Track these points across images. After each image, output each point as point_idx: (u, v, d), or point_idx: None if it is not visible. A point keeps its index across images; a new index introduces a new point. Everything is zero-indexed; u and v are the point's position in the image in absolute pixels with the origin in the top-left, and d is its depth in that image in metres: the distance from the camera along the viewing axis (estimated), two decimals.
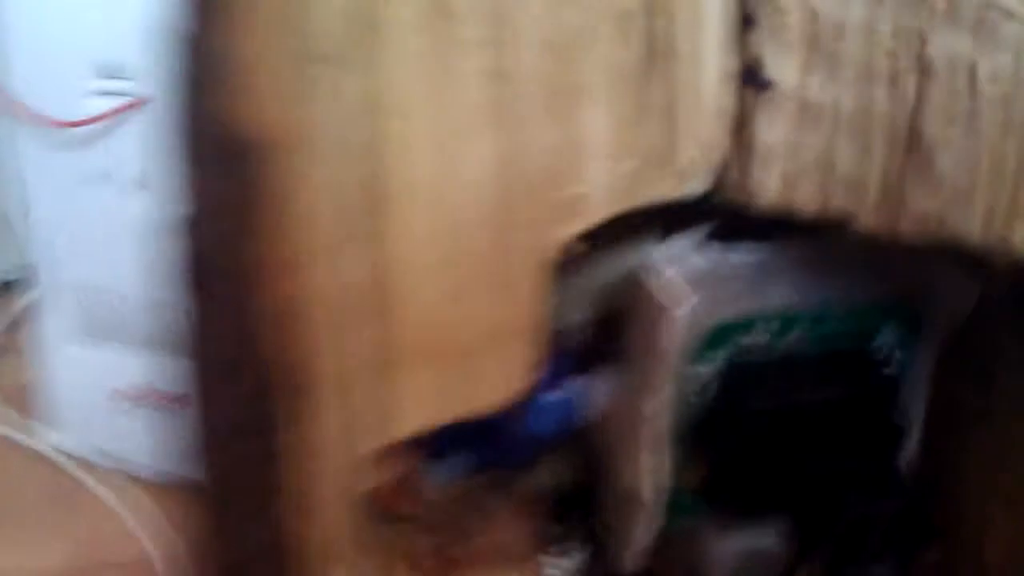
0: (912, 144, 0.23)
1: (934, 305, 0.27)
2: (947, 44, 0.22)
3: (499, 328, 0.23)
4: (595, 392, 0.28)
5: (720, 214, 0.25)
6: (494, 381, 0.23)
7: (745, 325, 0.26)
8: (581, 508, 0.30)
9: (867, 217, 0.24)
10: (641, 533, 0.27)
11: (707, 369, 0.26)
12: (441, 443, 0.27)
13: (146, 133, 0.90)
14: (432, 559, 0.26)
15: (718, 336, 0.26)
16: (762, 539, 0.28)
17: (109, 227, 0.93)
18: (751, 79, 0.23)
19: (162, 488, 0.99)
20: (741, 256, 0.26)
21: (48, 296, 1.00)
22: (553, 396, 0.28)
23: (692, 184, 0.23)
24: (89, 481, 0.97)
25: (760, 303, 0.26)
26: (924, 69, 0.23)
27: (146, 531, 0.91)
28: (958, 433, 0.29)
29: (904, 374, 0.28)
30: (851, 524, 0.26)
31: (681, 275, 0.25)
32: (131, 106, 0.73)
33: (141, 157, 0.89)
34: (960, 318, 0.27)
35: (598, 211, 0.23)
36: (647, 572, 0.29)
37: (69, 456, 1.01)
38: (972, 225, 0.23)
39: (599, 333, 0.29)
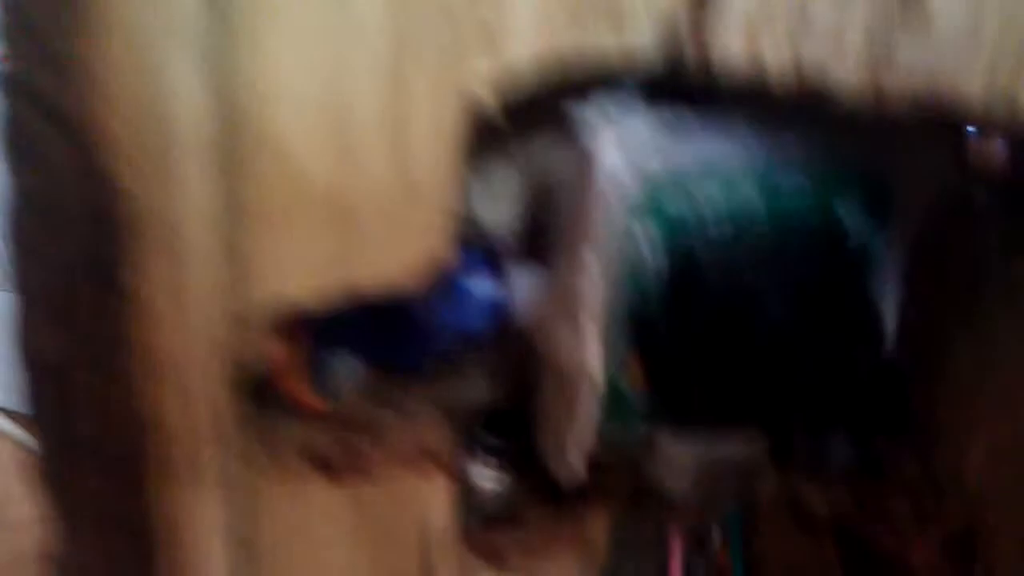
0: None
1: (905, 180, 0.24)
2: None
3: (394, 190, 0.19)
4: (528, 285, 0.24)
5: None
6: (386, 252, 0.19)
7: (684, 185, 0.22)
8: (518, 420, 0.26)
9: (847, 74, 0.20)
10: (581, 433, 0.23)
11: (645, 247, 0.22)
12: (354, 333, 0.24)
13: None
14: (339, 455, 0.22)
15: (656, 200, 0.22)
16: (724, 445, 0.25)
17: None
18: None
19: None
20: (677, 113, 0.23)
21: None
22: (479, 289, 0.24)
23: (636, 38, 0.19)
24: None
25: (700, 156, 0.22)
26: None
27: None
28: (940, 333, 0.25)
29: (871, 255, 0.24)
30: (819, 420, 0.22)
31: (612, 129, 0.21)
32: None
33: None
34: (932, 196, 0.23)
35: (520, 49, 0.19)
36: (590, 488, 0.25)
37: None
38: (972, 82, 0.19)
39: (532, 232, 0.25)
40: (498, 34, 0.18)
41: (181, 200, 0.17)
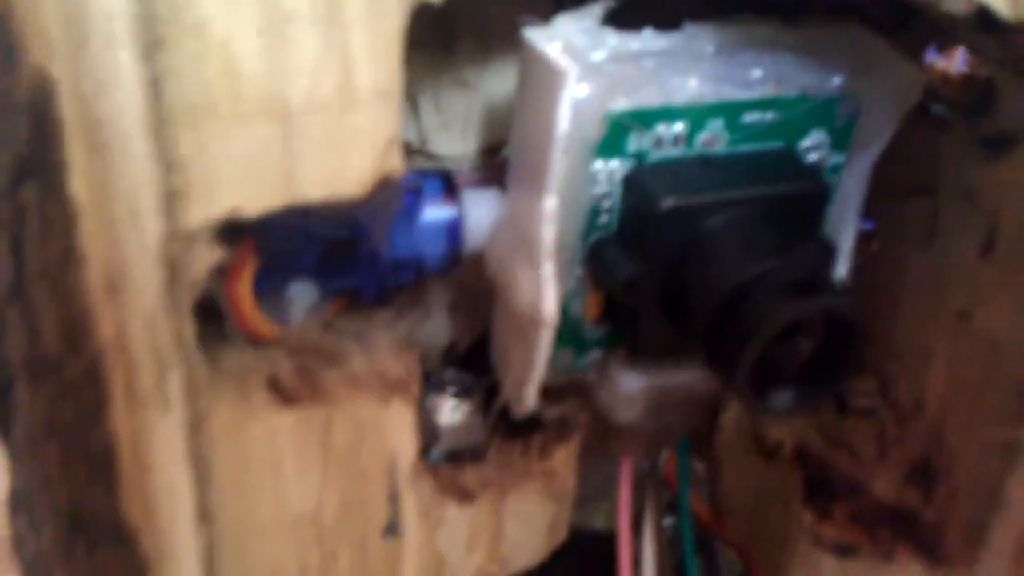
0: None
1: (873, 99, 0.22)
2: None
3: (331, 89, 0.17)
4: (486, 214, 0.23)
5: None
6: (328, 160, 0.18)
7: (645, 118, 0.20)
8: (480, 354, 0.24)
9: None
10: (537, 368, 0.22)
11: (605, 181, 0.21)
12: (310, 260, 0.22)
13: None
14: (298, 381, 0.20)
15: (616, 133, 0.20)
16: (678, 374, 0.23)
17: None
18: None
19: None
20: (643, 41, 0.21)
21: None
22: (435, 215, 0.23)
23: None
24: None
25: (665, 93, 0.20)
26: None
27: None
28: (897, 256, 0.24)
29: (835, 180, 0.23)
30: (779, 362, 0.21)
31: (575, 64, 0.19)
32: None
33: None
34: (903, 112, 0.22)
35: None
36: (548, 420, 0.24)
37: None
38: None
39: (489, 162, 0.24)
40: None
41: (109, 96, 0.15)
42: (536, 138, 0.20)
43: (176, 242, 0.16)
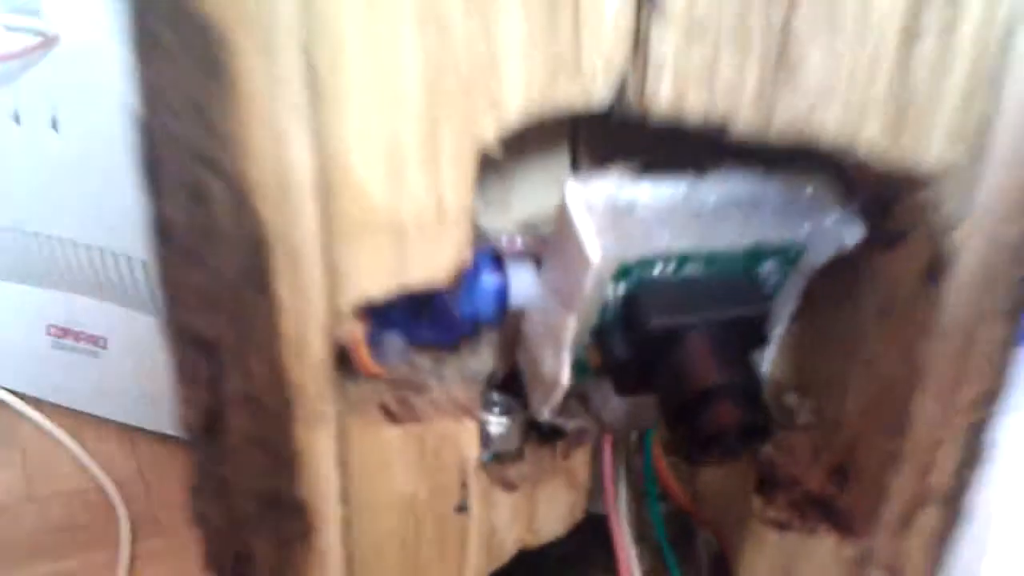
0: (782, 54, 0.25)
1: (819, 243, 0.30)
2: None
3: (431, 211, 0.26)
4: (526, 280, 0.31)
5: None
6: (428, 258, 0.26)
7: (648, 263, 0.28)
8: (517, 381, 0.33)
9: (744, 119, 0.26)
10: (556, 400, 0.30)
11: (612, 294, 0.29)
12: (401, 317, 0.31)
13: (58, 74, 0.91)
14: (398, 406, 0.29)
15: (625, 270, 0.28)
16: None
17: (20, 167, 0.96)
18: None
19: (100, 421, 1.03)
20: (648, 203, 0.28)
21: None
22: (488, 283, 0.31)
23: (596, 92, 0.26)
24: (31, 416, 1.02)
25: (661, 246, 0.28)
26: None
27: (93, 460, 0.95)
28: (823, 318, 0.32)
29: (778, 294, 0.31)
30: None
31: (598, 220, 0.27)
32: (42, 45, 0.75)
33: (51, 98, 0.91)
34: (844, 252, 0.30)
35: (515, 107, 0.25)
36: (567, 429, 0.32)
37: (8, 392, 1.06)
38: (828, 126, 0.26)
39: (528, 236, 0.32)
40: (499, 101, 0.25)
41: (297, 224, 0.24)
42: (568, 274, 0.28)
43: (334, 319, 0.25)
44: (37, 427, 1.00)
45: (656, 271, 0.29)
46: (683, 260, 0.29)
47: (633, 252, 0.28)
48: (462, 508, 0.30)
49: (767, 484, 0.32)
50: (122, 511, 0.86)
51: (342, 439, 0.26)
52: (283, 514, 0.26)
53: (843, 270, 0.30)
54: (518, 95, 0.25)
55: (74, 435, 0.97)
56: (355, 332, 0.26)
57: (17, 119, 0.91)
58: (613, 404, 0.31)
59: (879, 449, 0.30)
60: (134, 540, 0.83)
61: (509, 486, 0.31)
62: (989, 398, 0.29)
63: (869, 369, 0.30)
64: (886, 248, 0.30)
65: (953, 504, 0.30)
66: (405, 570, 0.29)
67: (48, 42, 0.85)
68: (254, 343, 0.24)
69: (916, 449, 0.29)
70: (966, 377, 0.28)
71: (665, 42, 0.25)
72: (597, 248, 0.26)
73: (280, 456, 0.25)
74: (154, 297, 0.92)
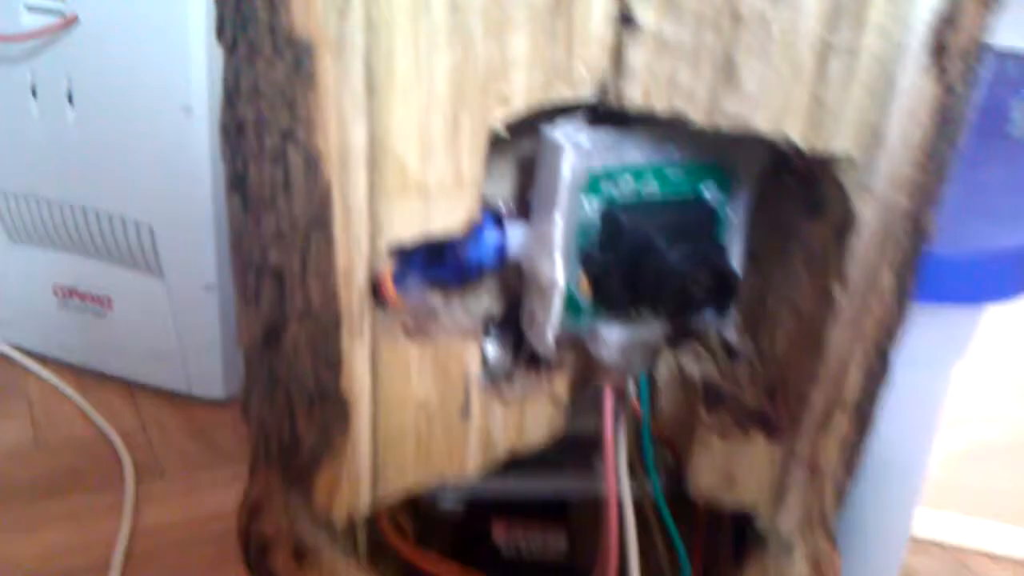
0: (727, 69, 0.33)
1: (739, 165, 0.38)
2: (752, 3, 0.32)
3: (451, 179, 0.34)
4: (519, 235, 0.39)
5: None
6: (447, 214, 0.34)
7: (612, 175, 0.36)
8: (513, 317, 0.41)
9: (697, 116, 0.34)
10: (553, 320, 0.38)
11: (589, 211, 0.37)
12: (420, 261, 0.38)
13: (75, 51, 0.98)
14: (415, 328, 0.37)
15: (594, 184, 0.36)
16: (638, 332, 0.40)
17: (36, 138, 1.03)
18: (625, 21, 0.34)
19: (104, 377, 1.10)
20: (608, 132, 0.36)
21: None
22: (491, 237, 0.39)
23: (583, 91, 0.34)
24: (38, 371, 1.09)
25: (620, 159, 0.36)
26: (737, 18, 0.33)
27: (97, 412, 1.02)
28: (763, 264, 0.40)
29: (725, 214, 0.39)
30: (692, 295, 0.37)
31: (569, 137, 0.35)
32: (62, 24, 0.83)
33: (68, 73, 0.98)
34: (756, 174, 0.38)
35: (519, 102, 0.33)
36: (556, 359, 0.40)
37: (15, 349, 1.13)
38: (763, 122, 0.34)
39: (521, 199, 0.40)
40: (507, 98, 0.33)
41: (351, 184, 0.32)
42: (550, 184, 0.36)
43: (374, 257, 0.33)
44: (43, 382, 1.07)
45: (620, 188, 0.37)
46: (639, 174, 0.37)
47: (597, 161, 0.35)
48: (464, 414, 0.37)
49: (712, 402, 0.40)
50: (126, 457, 0.93)
51: (374, 351, 0.34)
52: (327, 405, 0.34)
53: (778, 238, 0.38)
54: (522, 93, 0.33)
55: (79, 390, 1.04)
56: (386, 268, 0.34)
57: (34, 93, 0.98)
58: (608, 344, 0.39)
59: (802, 369, 0.38)
60: (138, 483, 0.90)
61: (503, 401, 0.39)
62: (888, 329, 0.37)
63: (795, 309, 0.38)
64: (810, 216, 0.38)
65: (860, 412, 0.38)
66: (419, 461, 0.37)
67: (67, 22, 0.91)
68: (315, 272, 0.32)
69: (830, 368, 0.37)
70: (869, 312, 0.36)
71: (638, 56, 0.33)
72: (570, 151, 0.34)
73: (328, 359, 0.33)
74: (160, 261, 0.99)
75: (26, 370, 1.09)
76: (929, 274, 0.48)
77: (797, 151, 0.34)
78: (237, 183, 0.33)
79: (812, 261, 0.38)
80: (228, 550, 0.82)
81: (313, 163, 0.30)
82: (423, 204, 0.33)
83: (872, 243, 0.35)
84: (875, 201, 0.35)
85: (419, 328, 0.35)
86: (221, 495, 0.89)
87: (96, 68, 0.94)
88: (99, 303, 1.05)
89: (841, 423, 0.38)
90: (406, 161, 0.32)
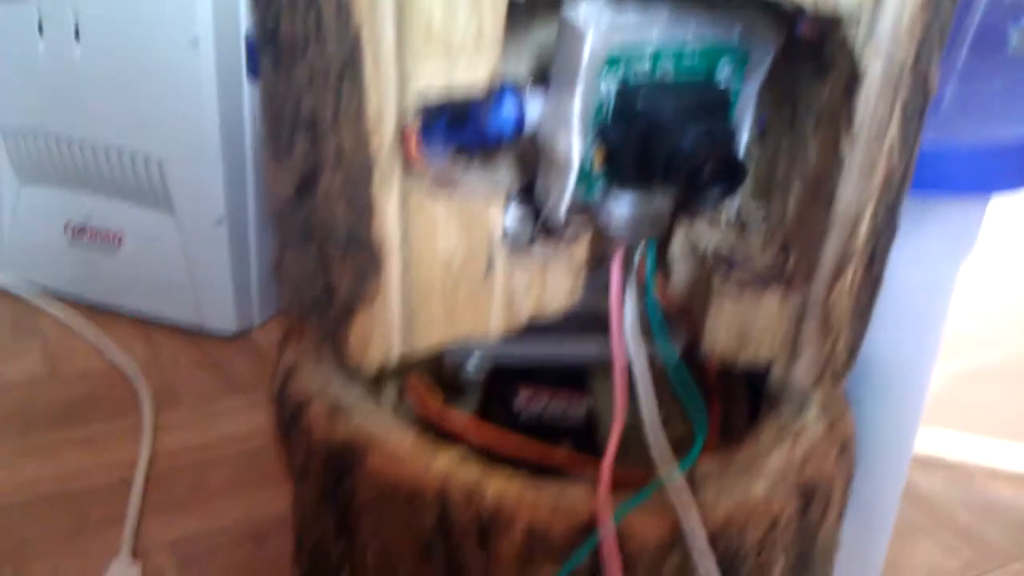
0: None
1: (755, 46, 0.40)
2: None
3: (472, 37, 0.35)
4: (536, 108, 0.41)
5: None
6: (469, 70, 0.35)
7: (629, 55, 0.38)
8: (530, 192, 0.43)
9: None
10: (567, 193, 0.40)
11: (606, 89, 0.38)
12: (444, 127, 0.40)
13: None
14: (439, 188, 0.38)
15: (613, 62, 0.38)
16: (647, 203, 0.41)
17: (43, 74, 1.04)
18: None
19: (116, 313, 1.12)
20: (628, 12, 0.38)
21: None
22: (510, 105, 0.40)
23: None
24: (51, 309, 1.11)
25: (639, 39, 0.38)
26: None
27: (103, 343, 1.04)
28: (775, 133, 0.42)
29: (737, 96, 0.41)
30: (701, 178, 0.39)
31: (590, 14, 0.37)
32: None
33: (75, 9, 1.00)
34: (773, 55, 0.40)
35: None
36: (571, 228, 0.42)
37: (28, 287, 1.15)
38: None
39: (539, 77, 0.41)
40: None
41: (381, 35, 0.33)
42: (569, 61, 0.38)
43: (402, 110, 0.35)
44: (56, 319, 1.08)
45: (636, 68, 0.38)
46: (657, 55, 0.38)
47: (617, 41, 0.37)
48: (488, 270, 0.39)
49: (725, 267, 0.41)
50: (143, 385, 0.95)
51: (403, 207, 0.36)
52: (360, 253, 0.35)
53: (788, 108, 0.40)
54: None
55: (92, 326, 1.06)
56: (413, 125, 0.36)
57: (41, 29, 0.99)
58: (617, 216, 0.41)
59: (814, 225, 0.39)
60: (157, 410, 0.91)
61: (524, 266, 0.40)
62: (896, 181, 0.38)
63: (806, 168, 0.40)
64: (818, 78, 0.39)
65: (871, 265, 0.40)
66: (445, 317, 0.39)
67: None
68: (346, 117, 0.33)
69: (841, 222, 0.38)
70: (876, 164, 0.38)
71: None
72: (590, 30, 0.36)
73: (361, 206, 0.34)
74: (170, 195, 1.00)
75: (39, 308, 1.10)
76: (935, 166, 0.50)
77: (805, 13, 0.36)
78: (268, 39, 0.34)
79: (821, 122, 0.39)
80: (245, 470, 0.84)
81: (344, 8, 0.32)
82: (447, 58, 0.34)
83: (879, 98, 0.37)
84: (880, 56, 0.36)
85: (445, 190, 0.37)
86: (236, 421, 0.91)
87: (102, 3, 0.95)
88: (110, 240, 1.06)
89: (852, 275, 0.39)
90: (431, 15, 0.33)
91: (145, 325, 1.08)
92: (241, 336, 1.06)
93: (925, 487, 0.88)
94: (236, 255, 1.02)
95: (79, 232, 1.08)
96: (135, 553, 0.72)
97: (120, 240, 1.06)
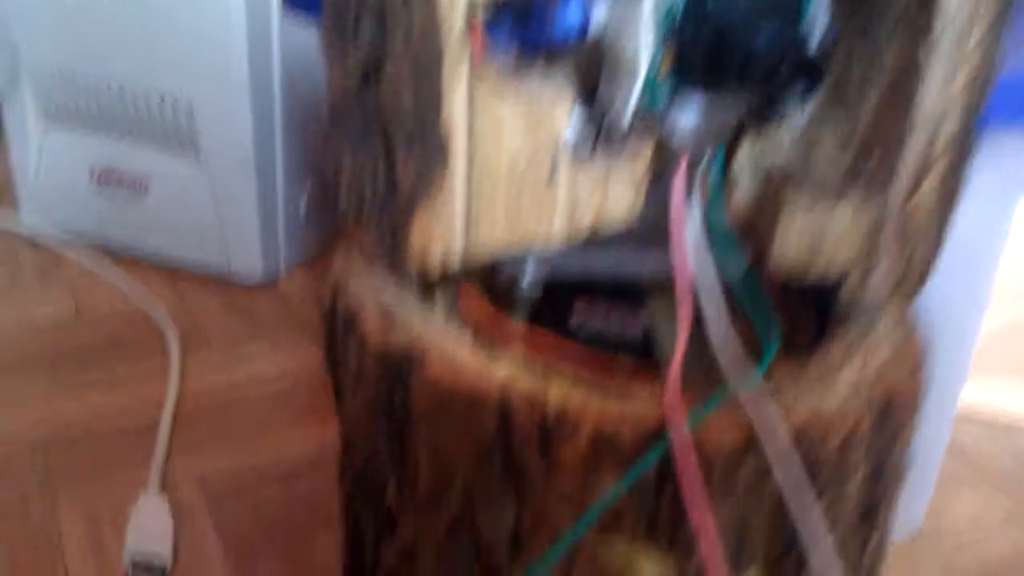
0: None
1: None
2: None
3: None
4: (602, 11, 0.39)
5: None
6: None
7: None
8: (591, 96, 0.41)
9: None
10: (632, 96, 0.38)
11: None
12: (512, 21, 0.38)
13: None
14: (502, 87, 0.36)
15: None
16: (713, 113, 0.40)
17: (71, 16, 1.03)
18: None
19: (142, 258, 1.11)
20: None
21: (17, 84, 1.10)
22: (576, 4, 0.39)
23: None
24: (77, 254, 1.10)
25: None
26: None
27: (130, 288, 1.03)
28: (850, 36, 0.40)
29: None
30: (779, 77, 0.37)
31: None
32: None
33: None
34: None
35: None
36: (633, 137, 0.40)
37: (54, 233, 1.14)
38: None
39: None
40: None
41: None
42: None
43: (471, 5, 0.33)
44: (82, 264, 1.08)
45: None
46: None
47: None
48: (552, 176, 0.38)
49: (796, 182, 0.40)
50: (170, 327, 0.94)
51: (470, 104, 0.35)
52: (427, 145, 0.34)
53: (865, 12, 0.38)
54: None
55: (118, 269, 1.05)
56: (479, 19, 0.34)
57: None
58: (681, 126, 0.39)
59: (893, 128, 0.38)
60: (183, 352, 0.91)
61: (586, 175, 0.39)
62: (980, 83, 0.37)
63: (884, 72, 0.38)
64: None
65: (953, 175, 0.38)
66: (507, 219, 0.38)
67: None
68: (416, 7, 0.32)
69: (922, 124, 0.37)
70: (960, 67, 0.36)
71: None
72: None
73: (430, 95, 0.33)
74: (197, 138, 0.99)
75: (65, 253, 1.10)
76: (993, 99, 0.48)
77: None
78: None
79: (898, 28, 0.38)
80: (273, 412, 0.83)
81: None
82: None
83: (960, 3, 0.35)
84: None
85: (510, 89, 0.36)
86: (263, 364, 0.91)
87: None
88: (136, 185, 1.05)
89: (933, 183, 0.38)
90: None
91: (172, 271, 1.07)
92: (268, 284, 1.05)
93: (967, 439, 0.87)
94: (263, 200, 1.01)
95: (105, 177, 1.07)
96: (164, 488, 0.71)
97: (146, 185, 1.05)
